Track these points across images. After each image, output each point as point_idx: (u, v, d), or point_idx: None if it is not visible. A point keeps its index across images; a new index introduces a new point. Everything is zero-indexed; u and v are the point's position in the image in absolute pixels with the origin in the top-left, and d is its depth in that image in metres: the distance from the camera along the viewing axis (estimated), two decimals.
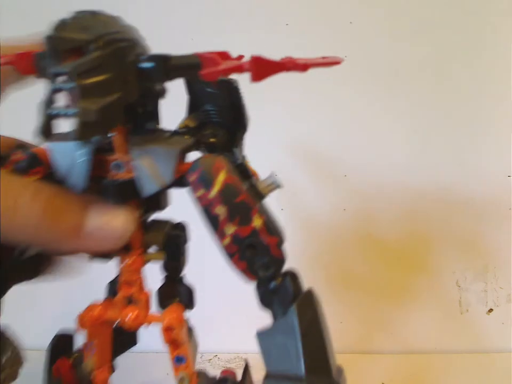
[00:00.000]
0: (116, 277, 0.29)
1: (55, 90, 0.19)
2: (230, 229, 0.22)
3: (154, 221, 0.27)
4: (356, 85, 0.57)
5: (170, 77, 0.22)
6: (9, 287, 0.26)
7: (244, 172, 0.26)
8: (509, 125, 0.58)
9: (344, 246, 0.59)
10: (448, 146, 0.59)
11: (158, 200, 0.26)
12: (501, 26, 0.58)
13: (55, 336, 0.30)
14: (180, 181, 0.23)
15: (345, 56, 0.57)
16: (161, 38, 0.60)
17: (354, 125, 0.59)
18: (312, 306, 0.24)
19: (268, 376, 0.23)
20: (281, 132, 0.56)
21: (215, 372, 0.55)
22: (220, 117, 0.26)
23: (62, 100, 0.20)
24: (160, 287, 0.29)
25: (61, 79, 0.19)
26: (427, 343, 0.60)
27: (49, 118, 0.20)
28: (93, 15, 0.21)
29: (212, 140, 0.26)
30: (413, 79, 0.58)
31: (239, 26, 0.58)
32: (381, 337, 0.58)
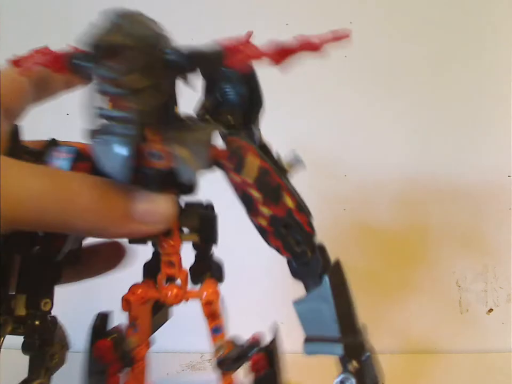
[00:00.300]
0: (151, 259, 0.31)
1: (101, 93, 0.21)
2: (266, 211, 0.24)
3: (187, 204, 0.29)
4: (355, 84, 0.58)
5: (194, 68, 0.23)
6: (61, 276, 0.28)
7: (263, 147, 0.27)
8: (509, 125, 0.58)
9: (344, 246, 0.59)
10: (448, 146, 0.59)
11: (191, 184, 0.27)
12: (501, 26, 0.58)
13: (97, 316, 0.31)
14: (212, 164, 0.25)
15: (345, 56, 0.58)
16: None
17: (354, 125, 0.59)
18: (341, 275, 0.26)
19: (307, 340, 0.26)
20: (281, 132, 0.56)
21: (215, 372, 0.56)
22: (235, 94, 0.27)
23: (107, 102, 0.21)
24: (193, 264, 0.31)
25: (107, 82, 0.21)
26: (427, 343, 0.60)
27: (96, 119, 0.21)
28: (123, 16, 0.22)
29: (229, 117, 0.27)
30: (413, 79, 0.59)
31: (239, 26, 0.58)
32: (381, 337, 0.58)
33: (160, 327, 0.34)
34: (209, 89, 0.28)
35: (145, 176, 0.25)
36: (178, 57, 0.22)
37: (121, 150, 0.23)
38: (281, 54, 0.22)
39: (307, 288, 0.27)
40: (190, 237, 0.29)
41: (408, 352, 0.58)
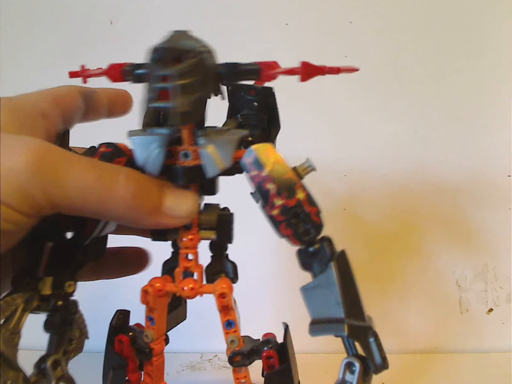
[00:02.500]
0: (170, 258, 0.33)
1: (160, 89, 0.25)
2: (279, 201, 0.27)
3: (206, 204, 0.32)
4: (355, 84, 0.58)
5: (238, 79, 0.28)
6: (86, 262, 0.30)
7: None
8: (509, 125, 0.58)
9: (344, 246, 0.59)
10: (448, 146, 0.59)
11: (214, 186, 0.31)
12: (501, 26, 0.58)
13: (116, 313, 0.34)
14: (234, 167, 0.29)
15: (345, 56, 0.58)
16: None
17: (354, 124, 0.59)
18: (346, 263, 0.28)
19: (312, 323, 0.27)
20: (281, 132, 0.56)
21: (215, 372, 0.56)
22: (256, 120, 0.32)
23: (162, 96, 0.25)
24: (208, 265, 0.32)
25: (165, 79, 0.25)
26: (427, 343, 0.60)
27: (153, 110, 0.26)
28: (183, 33, 0.27)
29: (250, 139, 0.30)
30: (413, 79, 0.59)
31: (239, 26, 0.58)
32: (381, 337, 0.58)
33: (177, 324, 0.36)
34: (233, 113, 0.32)
35: (175, 172, 0.29)
36: (226, 70, 0.27)
37: (157, 147, 0.27)
38: (309, 73, 0.26)
39: (314, 276, 0.28)
40: (208, 234, 0.31)
41: (408, 352, 0.58)
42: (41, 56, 0.60)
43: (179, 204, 0.28)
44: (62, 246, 0.29)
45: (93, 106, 0.33)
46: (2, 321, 0.26)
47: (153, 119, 0.30)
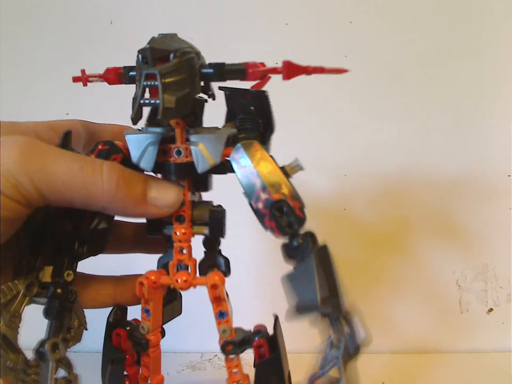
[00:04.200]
0: (165, 254, 0.34)
1: (146, 86, 0.27)
2: (264, 195, 0.29)
3: (200, 201, 0.34)
4: (355, 84, 0.58)
5: (224, 78, 0.30)
6: (84, 256, 0.32)
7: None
8: (509, 125, 0.58)
9: (344, 246, 0.59)
10: (448, 146, 0.59)
11: (206, 183, 0.33)
12: (501, 26, 0.58)
13: (113, 308, 0.35)
14: (226, 166, 0.30)
15: (345, 56, 0.58)
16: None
17: (354, 124, 0.59)
18: (327, 257, 0.30)
19: (290, 308, 0.29)
20: (281, 132, 0.56)
21: (215, 371, 0.56)
22: (252, 123, 0.33)
23: (149, 94, 0.27)
24: (202, 259, 0.34)
25: (150, 78, 0.27)
26: (427, 343, 0.60)
27: (140, 106, 0.27)
28: (172, 36, 0.29)
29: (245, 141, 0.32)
30: (413, 78, 0.59)
31: (239, 26, 0.58)
32: (381, 337, 0.58)
33: (173, 318, 0.37)
34: (231, 118, 0.34)
35: (167, 168, 0.31)
36: (212, 70, 0.29)
37: (150, 145, 0.29)
38: (291, 72, 0.28)
39: (295, 267, 0.30)
40: (200, 229, 0.33)
41: (408, 352, 0.58)
42: (42, 56, 0.60)
43: (163, 194, 0.30)
44: (62, 239, 0.31)
45: (96, 139, 0.36)
46: (3, 304, 0.27)
47: (149, 118, 0.32)
